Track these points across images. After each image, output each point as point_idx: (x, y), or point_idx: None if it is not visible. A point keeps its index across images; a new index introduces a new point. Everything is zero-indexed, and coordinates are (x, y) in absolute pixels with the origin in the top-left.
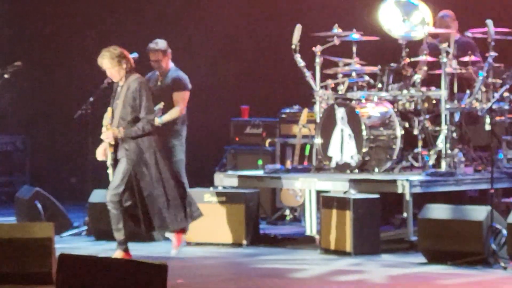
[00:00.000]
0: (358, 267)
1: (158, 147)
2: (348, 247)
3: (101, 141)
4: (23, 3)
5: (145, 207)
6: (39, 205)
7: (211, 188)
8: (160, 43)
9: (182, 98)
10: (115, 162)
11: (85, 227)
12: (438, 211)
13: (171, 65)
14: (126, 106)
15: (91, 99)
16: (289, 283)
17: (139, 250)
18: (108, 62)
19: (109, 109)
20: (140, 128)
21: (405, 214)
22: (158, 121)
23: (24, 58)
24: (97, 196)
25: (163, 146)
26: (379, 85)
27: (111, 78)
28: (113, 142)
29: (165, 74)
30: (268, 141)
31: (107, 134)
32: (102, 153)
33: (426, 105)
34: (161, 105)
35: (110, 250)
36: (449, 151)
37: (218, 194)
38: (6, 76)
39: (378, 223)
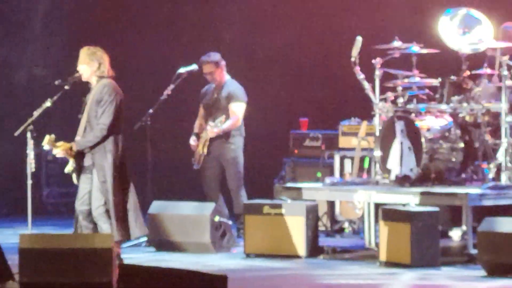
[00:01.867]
0: (429, 281)
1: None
2: (408, 259)
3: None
4: None
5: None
6: None
7: (271, 200)
8: (213, 56)
9: (238, 110)
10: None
11: (145, 238)
12: (499, 224)
13: (226, 77)
14: (91, 110)
15: (151, 110)
16: None
17: (196, 263)
18: (81, 56)
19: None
20: (96, 135)
21: (464, 227)
22: (214, 131)
23: None
24: (156, 207)
25: (219, 157)
26: (439, 98)
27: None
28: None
29: (220, 86)
30: (327, 153)
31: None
32: None
33: (486, 118)
34: (222, 118)
35: (170, 261)
36: (509, 164)
37: (277, 206)
38: (66, 87)
39: (437, 236)
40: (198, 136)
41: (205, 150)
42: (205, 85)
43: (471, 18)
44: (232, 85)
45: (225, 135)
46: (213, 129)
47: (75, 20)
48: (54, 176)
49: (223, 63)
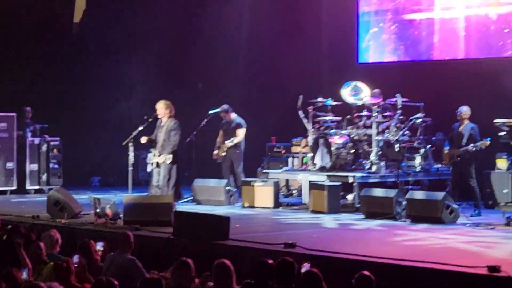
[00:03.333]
0: (334, 220)
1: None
2: (324, 209)
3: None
4: None
5: None
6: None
7: (256, 179)
8: (225, 106)
9: (241, 133)
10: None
11: (191, 198)
12: (371, 191)
13: (234, 115)
14: (166, 134)
15: (195, 132)
16: (293, 227)
17: (216, 210)
18: (159, 104)
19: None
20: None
21: (354, 193)
22: (230, 144)
23: None
24: (197, 181)
25: (231, 157)
26: (341, 127)
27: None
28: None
29: (231, 120)
30: (285, 155)
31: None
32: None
33: (365, 137)
34: (234, 138)
35: (202, 210)
36: (377, 161)
37: (259, 181)
38: (150, 120)
39: (339, 197)
40: (218, 148)
41: (223, 153)
42: (222, 120)
43: (358, 87)
44: (238, 119)
45: (235, 146)
46: (228, 143)
47: (157, 84)
48: (145, 166)
49: (231, 109)
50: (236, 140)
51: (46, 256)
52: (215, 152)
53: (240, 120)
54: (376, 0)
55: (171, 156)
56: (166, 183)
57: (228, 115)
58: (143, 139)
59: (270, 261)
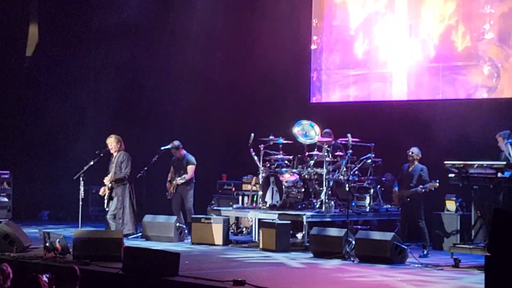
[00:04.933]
0: (283, 258)
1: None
2: (274, 247)
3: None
4: None
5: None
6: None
7: (205, 215)
8: (176, 143)
9: (191, 169)
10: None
11: (140, 234)
12: (321, 231)
13: (184, 152)
14: (117, 166)
15: (146, 168)
16: (242, 265)
17: (165, 247)
18: (110, 140)
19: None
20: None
21: (303, 232)
22: (181, 181)
23: None
24: (147, 217)
25: (181, 193)
26: (292, 166)
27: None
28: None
29: (182, 157)
30: (235, 192)
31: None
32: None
33: (316, 176)
34: (184, 175)
35: (152, 246)
36: (327, 200)
37: (209, 218)
38: (101, 154)
39: (289, 236)
40: (170, 182)
41: (174, 190)
42: (173, 156)
43: (309, 126)
44: (188, 156)
45: (185, 182)
46: (179, 180)
47: (109, 119)
48: (95, 200)
49: (181, 146)
50: (187, 177)
51: None
52: (167, 184)
53: (190, 157)
54: (327, 39)
55: (120, 181)
56: (120, 216)
57: (179, 152)
58: (102, 191)
59: None
